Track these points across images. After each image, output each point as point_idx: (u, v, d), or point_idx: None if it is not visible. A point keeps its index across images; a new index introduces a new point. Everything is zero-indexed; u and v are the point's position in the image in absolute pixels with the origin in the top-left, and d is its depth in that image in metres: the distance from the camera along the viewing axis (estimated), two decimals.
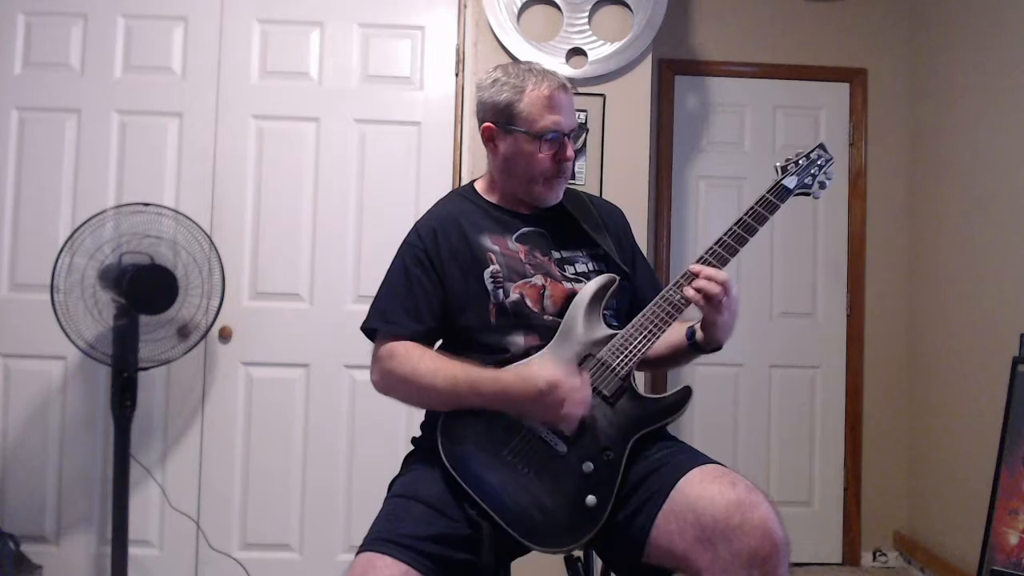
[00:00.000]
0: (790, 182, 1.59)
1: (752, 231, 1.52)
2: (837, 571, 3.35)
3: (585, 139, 2.72)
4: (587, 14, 2.84)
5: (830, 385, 3.46)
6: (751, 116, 3.48)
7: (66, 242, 2.43)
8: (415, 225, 1.64)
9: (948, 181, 3.19)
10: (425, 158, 2.89)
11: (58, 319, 2.38)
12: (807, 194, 1.62)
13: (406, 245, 1.61)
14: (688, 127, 3.47)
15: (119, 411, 2.48)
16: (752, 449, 3.41)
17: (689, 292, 1.45)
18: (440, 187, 2.81)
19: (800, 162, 1.62)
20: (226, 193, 2.84)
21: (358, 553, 1.35)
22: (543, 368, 1.41)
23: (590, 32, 2.85)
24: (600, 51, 2.83)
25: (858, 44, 3.49)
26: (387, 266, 1.62)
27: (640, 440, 1.43)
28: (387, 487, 1.54)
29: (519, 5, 2.84)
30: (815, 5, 3.48)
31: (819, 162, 1.62)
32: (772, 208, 1.55)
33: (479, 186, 1.69)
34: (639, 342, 1.46)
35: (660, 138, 3.42)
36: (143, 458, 2.72)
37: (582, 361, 1.47)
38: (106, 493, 2.69)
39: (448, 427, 1.47)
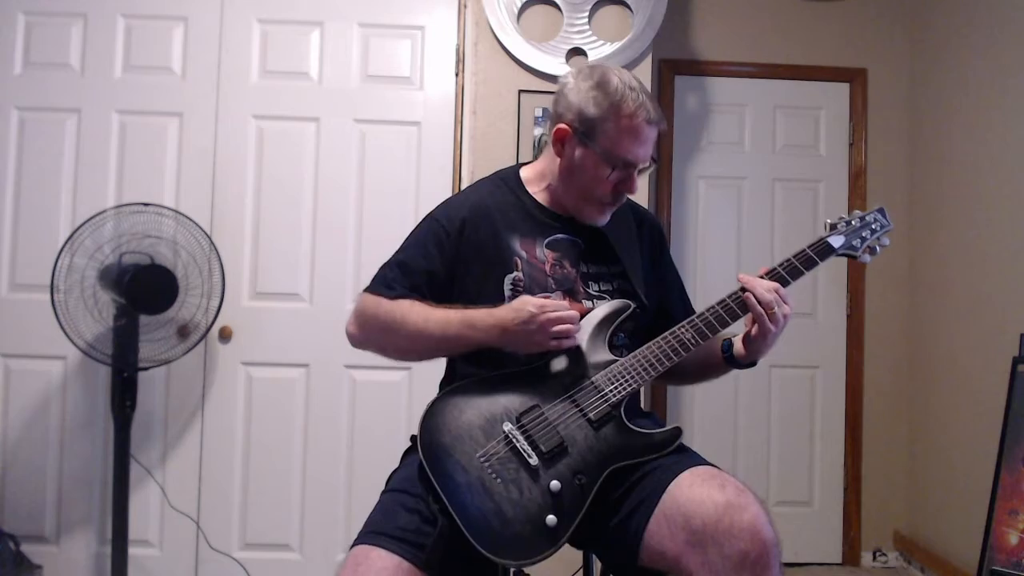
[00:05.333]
0: (836, 241, 1.50)
1: (784, 283, 1.48)
2: (837, 571, 3.35)
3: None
4: (587, 14, 2.84)
5: (830, 385, 3.46)
6: (751, 116, 3.48)
7: (66, 242, 2.43)
8: (448, 201, 1.61)
9: (948, 181, 3.19)
10: (425, 158, 2.89)
11: (58, 319, 2.38)
12: (853, 256, 1.53)
13: (434, 221, 1.57)
14: (688, 127, 3.47)
15: (119, 411, 2.49)
16: (752, 449, 3.41)
17: (750, 298, 1.44)
18: (440, 187, 2.82)
19: (853, 222, 1.53)
20: (226, 193, 2.85)
21: (352, 546, 1.35)
22: (531, 297, 1.43)
23: (590, 32, 2.85)
24: (600, 51, 2.83)
25: (858, 44, 3.48)
26: None
27: None
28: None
29: (519, 5, 2.84)
30: (815, 5, 3.48)
31: (873, 225, 1.55)
32: (810, 264, 1.49)
33: (526, 174, 1.63)
34: (636, 375, 1.43)
35: (660, 138, 3.41)
36: (143, 458, 2.72)
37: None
38: (106, 493, 2.69)
39: (429, 421, 1.44)
